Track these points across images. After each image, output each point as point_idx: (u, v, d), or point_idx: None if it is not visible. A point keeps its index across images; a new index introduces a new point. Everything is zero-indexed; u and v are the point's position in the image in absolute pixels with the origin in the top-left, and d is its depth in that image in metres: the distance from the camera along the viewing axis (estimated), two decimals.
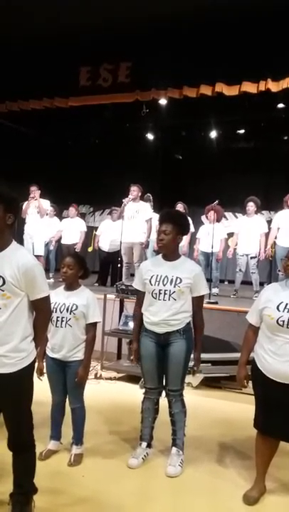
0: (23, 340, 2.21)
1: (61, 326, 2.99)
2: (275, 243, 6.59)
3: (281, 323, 2.52)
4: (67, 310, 2.99)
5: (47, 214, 7.62)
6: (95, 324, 3.06)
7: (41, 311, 2.29)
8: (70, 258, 3.11)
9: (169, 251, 3.03)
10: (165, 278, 2.96)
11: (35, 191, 7.27)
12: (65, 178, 9.28)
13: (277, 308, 2.55)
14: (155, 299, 2.97)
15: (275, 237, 6.45)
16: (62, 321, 2.99)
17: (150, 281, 3.00)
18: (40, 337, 2.34)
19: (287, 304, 2.54)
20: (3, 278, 2.13)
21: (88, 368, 3.08)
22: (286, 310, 2.53)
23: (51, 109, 7.15)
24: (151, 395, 3.13)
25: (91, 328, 3.04)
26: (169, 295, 2.93)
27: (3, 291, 2.13)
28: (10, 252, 2.19)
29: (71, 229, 7.90)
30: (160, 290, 2.95)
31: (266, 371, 2.59)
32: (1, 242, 2.18)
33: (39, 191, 7.34)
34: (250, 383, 2.80)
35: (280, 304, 2.56)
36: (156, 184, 9.02)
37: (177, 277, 2.95)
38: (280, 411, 2.56)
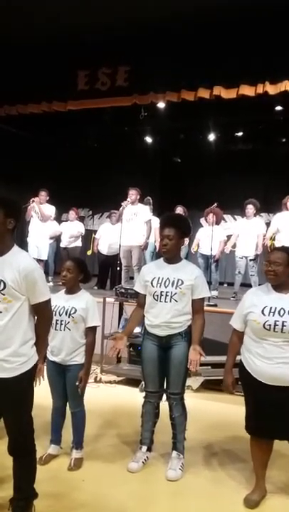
0: (24, 345, 2.21)
1: (60, 329, 2.99)
2: (273, 245, 6.60)
3: (268, 327, 2.52)
4: (66, 313, 2.99)
5: (51, 219, 7.62)
6: (94, 328, 3.06)
7: (42, 315, 2.29)
8: (70, 262, 3.11)
9: (172, 255, 3.05)
10: (167, 280, 2.98)
11: (40, 196, 7.28)
12: (63, 181, 9.28)
13: (262, 312, 2.55)
14: (156, 300, 2.98)
15: (274, 239, 6.47)
16: (61, 324, 2.99)
17: (152, 283, 3.01)
18: (42, 341, 2.33)
19: (271, 308, 2.54)
20: (3, 282, 2.14)
21: (89, 372, 3.08)
22: (271, 314, 2.53)
23: (50, 113, 7.14)
24: (151, 399, 3.12)
25: (90, 332, 3.04)
26: (171, 296, 2.94)
27: (3, 294, 2.14)
28: (11, 256, 2.20)
29: (71, 232, 7.89)
30: (162, 292, 2.96)
31: (256, 374, 2.59)
32: (2, 247, 2.20)
33: (42, 197, 7.33)
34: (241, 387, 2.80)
35: (264, 308, 2.56)
36: (156, 187, 9.02)
37: (179, 279, 2.96)
38: (271, 412, 2.56)
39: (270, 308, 2.54)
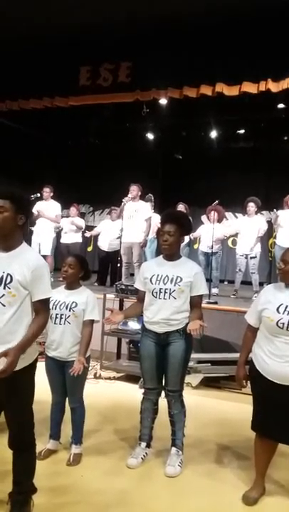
0: None
1: (60, 324, 2.99)
2: (274, 243, 6.60)
3: (281, 325, 2.51)
4: (66, 307, 3.00)
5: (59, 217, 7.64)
6: (92, 322, 3.04)
7: (41, 313, 2.25)
8: (72, 258, 3.13)
9: (172, 251, 3.05)
10: (166, 277, 2.98)
11: (43, 193, 7.28)
12: (64, 177, 9.28)
13: (277, 310, 2.55)
14: (155, 297, 2.98)
15: (275, 237, 6.47)
16: (61, 318, 2.99)
17: (151, 280, 3.01)
18: (31, 337, 2.17)
19: (287, 306, 2.54)
20: (11, 275, 2.15)
21: (85, 356, 2.97)
22: (286, 312, 2.52)
23: (51, 108, 7.13)
24: (150, 395, 3.13)
25: (88, 323, 3.02)
26: (170, 293, 2.94)
27: (9, 288, 2.15)
28: (20, 251, 2.22)
29: (71, 227, 7.88)
30: (160, 289, 2.96)
31: (265, 372, 2.58)
32: (12, 242, 2.22)
33: (46, 194, 7.32)
34: (249, 383, 2.80)
35: (279, 305, 2.55)
36: (157, 184, 9.01)
37: (178, 276, 2.96)
38: (279, 412, 2.56)
39: (286, 306, 2.54)
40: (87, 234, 8.17)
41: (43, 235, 7.32)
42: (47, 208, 7.38)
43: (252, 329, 2.75)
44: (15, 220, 2.18)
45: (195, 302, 3.01)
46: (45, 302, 2.25)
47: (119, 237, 6.65)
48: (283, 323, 2.50)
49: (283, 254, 2.68)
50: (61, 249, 7.77)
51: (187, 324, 2.99)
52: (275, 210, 6.34)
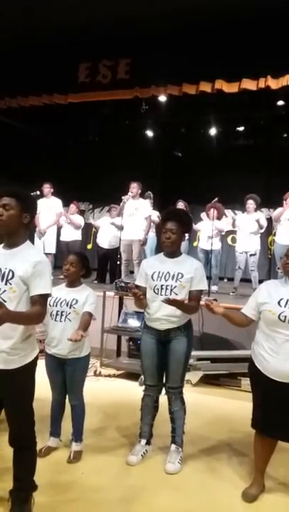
0: (26, 337, 2.21)
1: (60, 321, 2.99)
2: (274, 240, 6.60)
3: (283, 318, 2.52)
4: (67, 304, 3.01)
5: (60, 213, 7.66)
6: (90, 314, 3.02)
7: (38, 305, 2.18)
8: (74, 256, 3.13)
9: (174, 249, 3.05)
10: (167, 274, 2.98)
11: (44, 189, 7.27)
12: (64, 175, 9.25)
13: (279, 303, 2.56)
14: (157, 294, 2.98)
15: (274, 234, 6.46)
16: (61, 315, 2.99)
17: (152, 277, 3.01)
18: (24, 317, 2.15)
19: (288, 300, 2.55)
20: (12, 271, 2.16)
21: (84, 331, 2.92)
22: (287, 306, 2.53)
23: (50, 105, 7.11)
24: (150, 392, 3.14)
25: (86, 314, 2.99)
26: (171, 290, 2.94)
27: (10, 284, 2.16)
28: (23, 249, 2.25)
29: (70, 226, 7.88)
30: (162, 285, 2.96)
31: (265, 370, 2.58)
32: (16, 240, 2.24)
33: (46, 190, 7.32)
34: (248, 381, 2.80)
35: (280, 299, 2.57)
36: (156, 181, 8.99)
37: (179, 272, 2.97)
38: (280, 411, 2.56)
39: (287, 300, 2.55)
40: (91, 221, 8.20)
41: (46, 233, 7.34)
42: (49, 205, 7.37)
43: (246, 315, 2.73)
44: (20, 218, 2.21)
45: (193, 296, 2.97)
46: (44, 297, 2.22)
47: (116, 226, 6.65)
48: (285, 316, 2.51)
49: None
50: (61, 247, 7.75)
51: (188, 321, 3.02)
52: (285, 202, 6.29)
